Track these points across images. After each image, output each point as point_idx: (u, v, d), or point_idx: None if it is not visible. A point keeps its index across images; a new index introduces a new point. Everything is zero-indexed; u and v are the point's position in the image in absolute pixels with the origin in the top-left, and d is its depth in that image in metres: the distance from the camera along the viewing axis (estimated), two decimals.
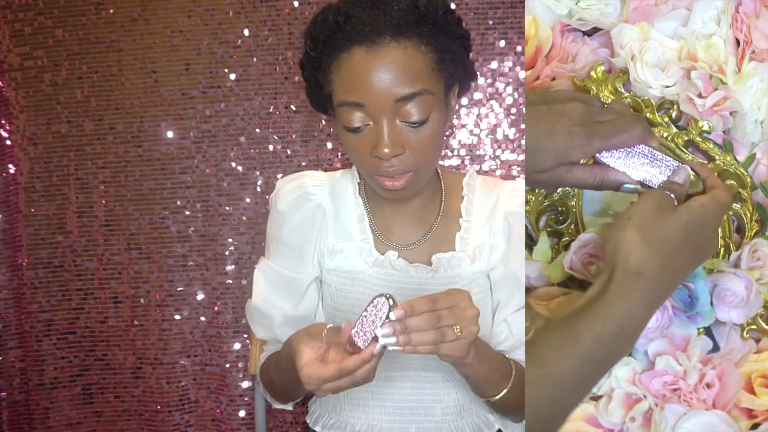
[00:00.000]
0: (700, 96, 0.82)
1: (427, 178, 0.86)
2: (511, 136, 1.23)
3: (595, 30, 0.89)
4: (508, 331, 0.90)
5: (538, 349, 0.58)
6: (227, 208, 1.26)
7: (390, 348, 0.70)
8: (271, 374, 0.93)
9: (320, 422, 0.94)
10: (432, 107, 0.78)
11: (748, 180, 0.82)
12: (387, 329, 0.69)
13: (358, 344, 0.71)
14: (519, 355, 0.89)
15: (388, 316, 0.69)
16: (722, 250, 0.78)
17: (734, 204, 0.80)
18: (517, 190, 0.93)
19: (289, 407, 0.98)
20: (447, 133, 1.23)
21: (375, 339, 0.70)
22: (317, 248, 0.91)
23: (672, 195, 0.65)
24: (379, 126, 0.77)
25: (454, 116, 1.14)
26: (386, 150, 0.77)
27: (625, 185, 0.69)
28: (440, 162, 1.23)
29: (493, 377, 0.81)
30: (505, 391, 0.82)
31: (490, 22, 1.21)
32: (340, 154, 1.25)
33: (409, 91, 0.76)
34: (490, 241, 0.91)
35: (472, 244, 0.91)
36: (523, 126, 1.22)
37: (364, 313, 0.71)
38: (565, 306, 0.79)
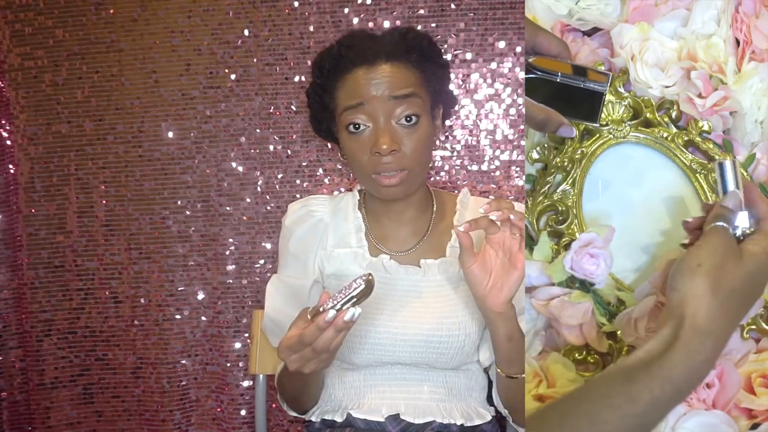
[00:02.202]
0: (700, 96, 0.82)
1: (419, 182, 0.97)
2: (511, 137, 1.23)
3: (595, 30, 0.89)
4: None
5: (595, 406, 0.55)
6: (228, 208, 1.26)
7: (351, 319, 0.74)
8: (282, 377, 1.00)
9: (316, 412, 0.99)
10: (422, 111, 0.91)
11: (748, 180, 0.82)
12: (353, 309, 0.74)
13: (324, 313, 0.74)
14: None
15: (357, 296, 0.74)
16: None
17: None
18: None
19: (305, 417, 1.03)
20: (446, 134, 1.23)
21: (337, 311, 0.74)
22: (318, 256, 1.02)
23: (731, 228, 0.63)
24: (377, 125, 0.90)
25: (442, 133, 1.19)
26: (384, 146, 0.89)
27: (562, 128, 0.77)
28: (441, 162, 1.24)
29: (517, 339, 0.85)
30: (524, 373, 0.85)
31: (490, 22, 1.21)
32: (340, 154, 1.25)
33: (402, 92, 0.90)
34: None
35: None
36: (522, 127, 1.22)
37: (342, 289, 0.75)
38: (566, 305, 0.79)
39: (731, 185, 0.67)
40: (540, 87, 0.77)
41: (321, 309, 0.75)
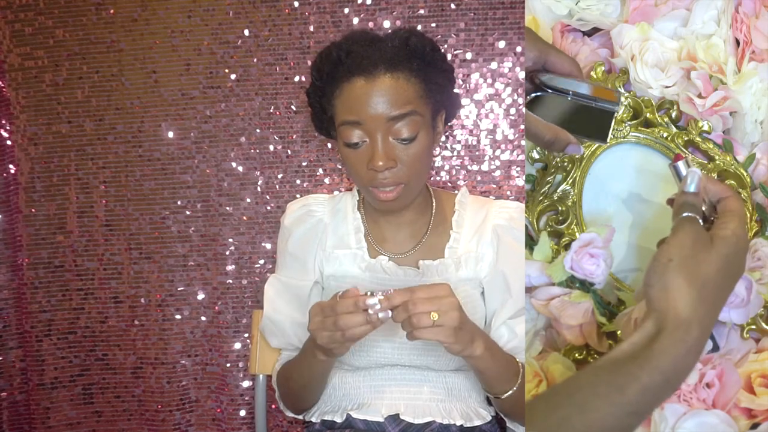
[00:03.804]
0: (700, 96, 0.82)
1: (417, 192, 0.97)
2: (511, 137, 1.23)
3: (595, 30, 0.89)
4: (508, 333, 0.94)
5: (584, 395, 0.56)
6: (228, 208, 1.26)
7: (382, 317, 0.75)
8: (291, 369, 1.00)
9: (316, 413, 0.99)
10: (420, 127, 0.89)
11: (748, 180, 0.82)
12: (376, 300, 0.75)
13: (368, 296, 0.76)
14: (520, 359, 0.91)
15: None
16: None
17: None
18: (506, 207, 1.02)
19: (300, 417, 1.04)
20: (446, 133, 1.23)
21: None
22: (317, 257, 1.01)
23: (696, 216, 0.63)
24: (374, 142, 0.88)
25: (442, 137, 1.20)
26: (380, 163, 0.88)
27: (570, 146, 0.76)
28: (441, 162, 1.24)
29: (505, 373, 0.86)
30: (515, 387, 0.86)
31: (490, 23, 1.21)
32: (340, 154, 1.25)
33: (400, 112, 0.87)
34: (477, 251, 0.99)
35: (459, 253, 0.98)
36: (522, 127, 1.22)
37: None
38: (567, 305, 0.79)
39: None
40: (548, 103, 0.75)
41: (369, 293, 0.76)
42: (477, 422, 0.94)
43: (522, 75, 1.21)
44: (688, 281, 0.59)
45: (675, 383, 0.58)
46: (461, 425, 0.92)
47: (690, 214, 0.64)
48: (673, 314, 0.58)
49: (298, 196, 1.24)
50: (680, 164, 0.69)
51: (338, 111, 0.91)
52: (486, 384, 0.88)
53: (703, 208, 0.66)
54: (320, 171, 1.25)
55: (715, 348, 0.78)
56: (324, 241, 1.02)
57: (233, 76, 1.24)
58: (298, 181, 1.25)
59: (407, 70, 0.89)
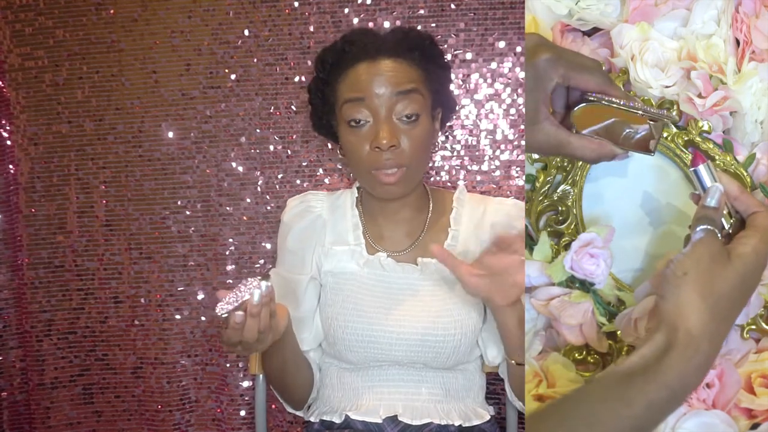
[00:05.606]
0: (700, 96, 0.82)
1: (416, 181, 0.98)
2: (511, 137, 1.23)
3: (595, 30, 0.89)
4: None
5: (591, 408, 0.56)
6: (228, 208, 1.26)
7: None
8: (263, 362, 1.03)
9: (315, 413, 1.00)
10: (422, 108, 0.92)
11: (748, 180, 0.82)
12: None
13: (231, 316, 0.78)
14: None
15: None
16: None
17: None
18: (503, 204, 1.03)
19: (299, 413, 1.06)
20: (446, 134, 1.23)
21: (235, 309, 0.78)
22: (316, 252, 1.02)
23: (716, 230, 0.62)
24: (378, 119, 0.91)
25: (442, 138, 1.20)
26: (384, 141, 0.89)
27: (617, 157, 0.73)
28: (441, 162, 1.24)
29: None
30: None
31: (490, 23, 1.21)
32: (338, 151, 1.25)
33: (404, 88, 0.90)
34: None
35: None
36: (522, 127, 1.22)
37: (236, 290, 0.79)
38: (566, 305, 0.79)
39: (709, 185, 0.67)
40: (588, 114, 0.72)
41: (218, 313, 0.78)
42: (476, 422, 0.94)
43: (522, 75, 1.21)
44: (702, 297, 0.58)
45: (681, 398, 0.58)
46: (459, 425, 0.92)
47: (709, 227, 0.63)
48: (684, 330, 0.57)
49: None
50: (701, 169, 0.67)
51: (341, 93, 0.94)
52: (513, 342, 0.88)
53: (731, 221, 0.65)
54: (320, 171, 1.25)
55: None
56: (323, 237, 1.02)
57: (233, 76, 1.24)
58: (298, 181, 1.25)
59: (409, 59, 0.93)
